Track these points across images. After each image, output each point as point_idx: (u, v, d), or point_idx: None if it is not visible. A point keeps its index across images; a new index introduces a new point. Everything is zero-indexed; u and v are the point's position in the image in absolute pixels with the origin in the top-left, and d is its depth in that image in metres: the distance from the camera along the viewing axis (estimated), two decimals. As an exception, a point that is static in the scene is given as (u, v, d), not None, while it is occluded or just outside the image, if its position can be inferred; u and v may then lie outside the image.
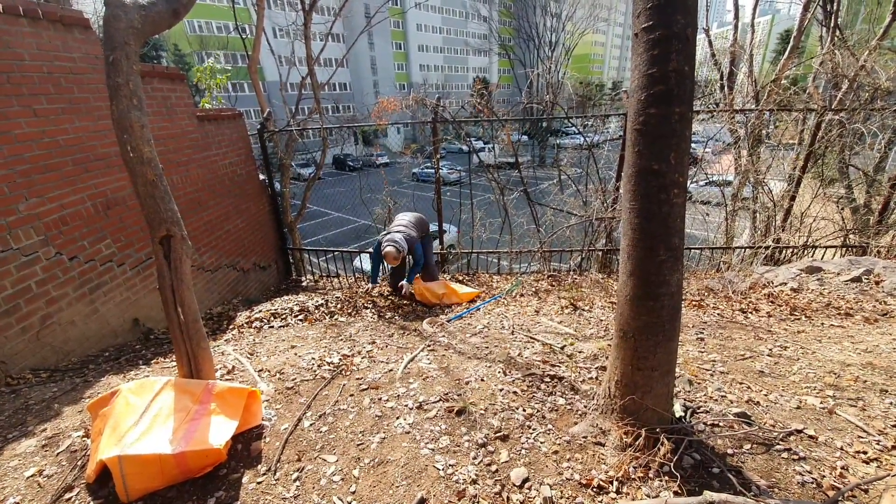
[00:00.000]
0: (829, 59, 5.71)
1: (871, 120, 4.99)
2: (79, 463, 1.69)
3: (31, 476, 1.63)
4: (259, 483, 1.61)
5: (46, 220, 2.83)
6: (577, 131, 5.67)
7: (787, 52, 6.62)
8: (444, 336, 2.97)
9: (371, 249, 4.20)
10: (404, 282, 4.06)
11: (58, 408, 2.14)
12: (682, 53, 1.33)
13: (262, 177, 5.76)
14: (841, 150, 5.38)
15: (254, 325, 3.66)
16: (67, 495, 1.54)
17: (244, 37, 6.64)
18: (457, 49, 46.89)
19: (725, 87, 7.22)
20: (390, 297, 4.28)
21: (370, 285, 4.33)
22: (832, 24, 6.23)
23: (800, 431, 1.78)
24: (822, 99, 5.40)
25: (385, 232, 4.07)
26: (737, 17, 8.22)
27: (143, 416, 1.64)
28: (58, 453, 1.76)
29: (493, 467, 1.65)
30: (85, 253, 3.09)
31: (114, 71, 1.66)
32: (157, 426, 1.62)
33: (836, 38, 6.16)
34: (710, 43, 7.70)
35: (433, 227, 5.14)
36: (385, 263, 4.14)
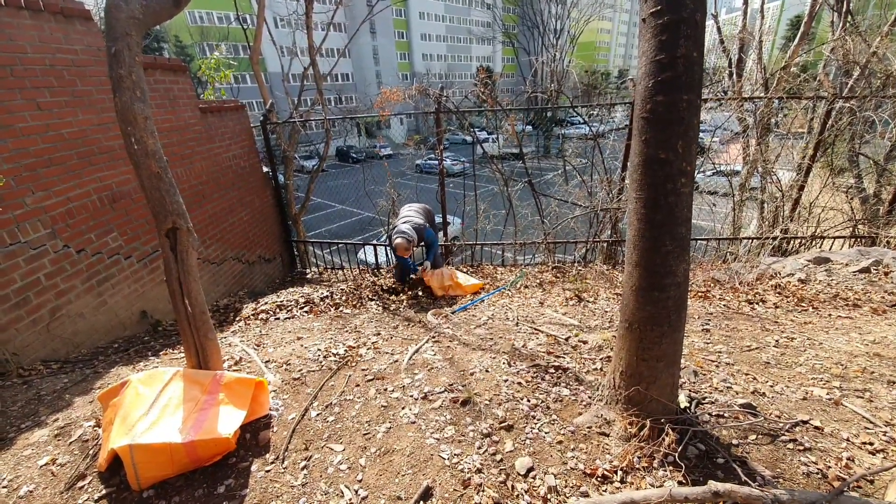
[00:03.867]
0: (841, 45, 5.60)
1: (882, 108, 4.90)
2: (91, 452, 1.72)
3: (45, 465, 1.66)
4: (267, 471, 1.63)
5: (53, 213, 2.85)
6: (582, 121, 5.62)
7: (797, 39, 6.49)
8: (448, 327, 2.98)
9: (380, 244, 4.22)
10: (427, 262, 4.10)
11: (69, 398, 2.17)
12: (691, 39, 1.30)
13: (265, 169, 5.75)
14: (851, 138, 5.29)
15: (260, 316, 3.68)
16: (80, 483, 1.57)
17: (245, 27, 6.58)
18: (460, 38, 46.29)
19: (734, 75, 7.10)
20: (395, 288, 4.29)
21: (412, 275, 4.32)
22: (844, 10, 6.08)
23: (805, 422, 1.78)
24: (832, 86, 5.30)
25: (392, 226, 4.08)
26: (746, 2, 8.03)
27: (152, 407, 1.67)
28: (70, 443, 1.79)
29: (498, 457, 1.67)
30: (92, 246, 3.12)
31: (116, 62, 1.66)
32: (166, 416, 1.64)
33: (847, 24, 6.03)
34: (719, 29, 7.55)
35: (437, 219, 5.13)
36: (396, 255, 4.16)
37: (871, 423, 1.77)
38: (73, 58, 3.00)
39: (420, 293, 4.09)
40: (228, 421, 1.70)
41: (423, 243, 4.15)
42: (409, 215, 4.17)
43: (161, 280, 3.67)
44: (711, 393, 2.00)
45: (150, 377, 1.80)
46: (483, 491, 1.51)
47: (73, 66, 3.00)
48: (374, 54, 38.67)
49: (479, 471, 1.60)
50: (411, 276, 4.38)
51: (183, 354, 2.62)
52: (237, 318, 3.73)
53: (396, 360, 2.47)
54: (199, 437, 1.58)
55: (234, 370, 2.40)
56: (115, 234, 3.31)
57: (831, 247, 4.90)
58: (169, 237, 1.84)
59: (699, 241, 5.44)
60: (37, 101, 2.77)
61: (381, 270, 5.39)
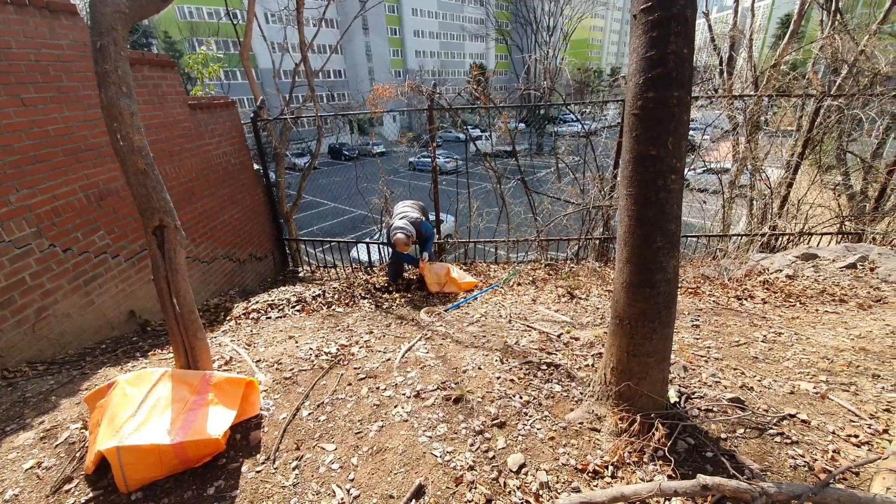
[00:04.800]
0: (829, 43, 5.65)
1: (869, 105, 4.96)
2: (77, 455, 1.69)
3: (30, 468, 1.64)
4: (258, 472, 1.62)
5: (38, 211, 2.79)
6: (574, 118, 5.63)
7: (786, 37, 6.54)
8: (441, 325, 2.98)
9: (372, 241, 4.20)
10: (426, 253, 4.10)
11: (55, 400, 2.14)
12: (682, 35, 1.31)
13: (256, 166, 5.70)
14: (839, 136, 5.36)
15: (251, 315, 3.65)
16: (67, 487, 1.55)
17: (235, 23, 6.50)
18: (453, 34, 46.14)
19: (724, 73, 7.15)
20: (387, 287, 4.28)
21: (411, 266, 4.28)
22: (833, 8, 6.14)
23: (793, 416, 1.80)
24: (821, 84, 5.36)
25: (388, 224, 4.12)
26: (737, 0, 8.10)
27: (140, 407, 1.64)
28: (56, 445, 1.76)
29: (491, 454, 1.67)
30: (79, 245, 3.07)
31: (101, 57, 1.62)
32: (154, 417, 1.62)
33: (836, 23, 6.09)
34: (710, 27, 7.59)
35: (430, 216, 5.12)
36: (394, 251, 4.14)
37: (856, 415, 1.80)
38: (59, 53, 2.94)
39: (414, 294, 4.08)
40: (218, 421, 1.68)
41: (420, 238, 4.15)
42: (405, 211, 4.18)
43: (149, 279, 3.62)
44: (701, 388, 2.03)
45: (137, 378, 1.77)
46: (475, 488, 1.51)
47: (58, 62, 2.94)
48: (366, 51, 38.39)
49: (471, 468, 1.60)
50: (406, 270, 4.36)
51: (172, 355, 2.59)
52: (228, 318, 3.69)
53: (389, 359, 2.46)
54: (188, 438, 1.56)
55: (225, 370, 2.37)
56: (103, 233, 3.25)
57: (819, 243, 4.97)
58: (156, 235, 1.82)
59: (689, 238, 5.50)
60: (21, 98, 2.71)
61: (374, 269, 5.37)
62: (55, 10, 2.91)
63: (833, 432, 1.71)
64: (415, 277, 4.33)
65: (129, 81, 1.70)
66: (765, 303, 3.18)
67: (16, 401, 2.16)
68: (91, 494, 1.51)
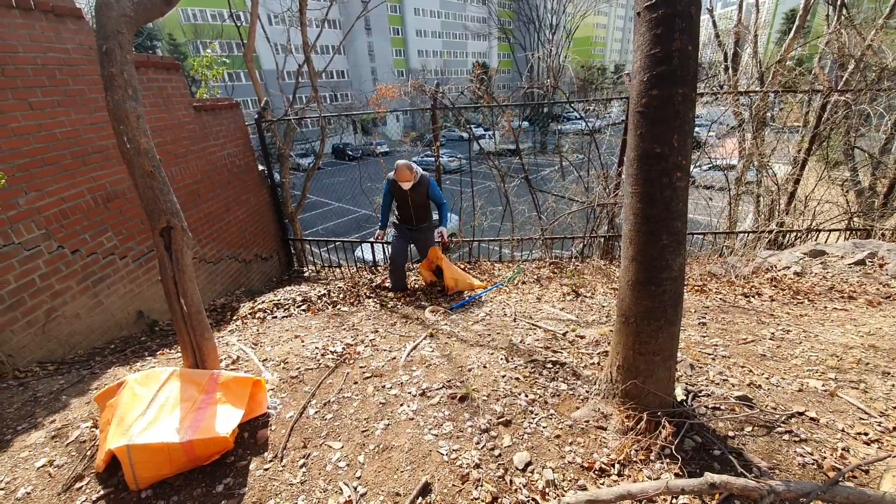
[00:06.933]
0: (836, 38, 5.60)
1: (877, 101, 4.91)
2: (88, 453, 1.71)
3: (42, 466, 1.66)
4: (266, 470, 1.63)
5: (47, 213, 2.83)
6: (578, 116, 5.61)
7: (792, 32, 6.49)
8: (446, 324, 2.98)
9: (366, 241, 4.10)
10: (442, 228, 3.83)
11: (66, 399, 2.17)
12: (686, 33, 1.30)
13: (261, 167, 5.73)
14: (846, 131, 5.31)
15: (257, 315, 3.68)
16: (78, 485, 1.57)
17: (239, 24, 6.53)
18: (456, 34, 46.09)
19: (729, 69, 7.10)
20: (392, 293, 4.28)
21: (378, 230, 4.02)
22: (839, 3, 6.08)
23: (801, 414, 1.79)
24: (827, 80, 5.31)
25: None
26: (741, -4, 8.01)
27: (149, 407, 1.66)
28: (67, 444, 1.78)
29: (497, 452, 1.67)
30: (87, 246, 3.10)
31: (107, 61, 1.64)
32: (163, 416, 1.64)
33: (842, 17, 6.02)
34: (714, 23, 7.54)
35: (433, 216, 5.11)
36: (392, 244, 3.95)
37: (865, 413, 1.79)
38: (65, 56, 2.97)
39: (418, 292, 4.08)
40: (226, 420, 1.70)
41: (430, 215, 3.90)
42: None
43: (157, 280, 3.65)
44: (708, 386, 2.02)
45: (146, 377, 1.79)
46: (481, 486, 1.52)
47: (64, 65, 2.97)
48: (369, 51, 38.44)
49: (477, 466, 1.60)
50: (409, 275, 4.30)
51: (180, 354, 2.61)
52: (234, 318, 3.72)
53: (394, 357, 2.47)
54: (196, 437, 1.57)
55: (232, 369, 2.39)
56: (110, 234, 3.29)
57: (827, 239, 4.92)
58: (163, 236, 1.83)
59: (695, 236, 5.46)
60: (28, 101, 2.74)
61: (379, 268, 5.39)
62: (61, 13, 2.94)
63: (842, 430, 1.70)
64: (423, 284, 4.29)
65: (135, 84, 1.71)
66: (772, 300, 3.16)
67: (27, 400, 2.19)
68: (102, 492, 1.53)
